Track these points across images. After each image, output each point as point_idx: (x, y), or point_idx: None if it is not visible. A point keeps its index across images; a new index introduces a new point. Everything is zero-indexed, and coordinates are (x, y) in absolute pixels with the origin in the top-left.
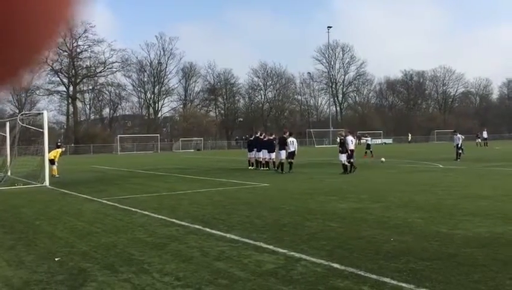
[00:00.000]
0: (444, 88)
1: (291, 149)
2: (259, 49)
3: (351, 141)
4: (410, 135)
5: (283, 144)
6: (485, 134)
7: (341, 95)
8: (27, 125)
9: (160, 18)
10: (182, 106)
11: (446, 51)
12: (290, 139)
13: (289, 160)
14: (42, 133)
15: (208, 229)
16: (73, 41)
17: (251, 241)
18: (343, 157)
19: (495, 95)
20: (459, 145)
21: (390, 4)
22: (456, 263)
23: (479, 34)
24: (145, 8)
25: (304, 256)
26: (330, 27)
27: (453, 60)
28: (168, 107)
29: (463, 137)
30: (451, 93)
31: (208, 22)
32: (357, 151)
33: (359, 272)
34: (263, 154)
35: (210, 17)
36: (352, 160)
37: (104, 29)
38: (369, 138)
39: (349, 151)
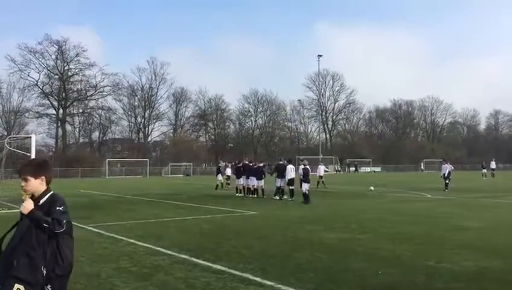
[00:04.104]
0: (432, 118)
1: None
2: (251, 76)
3: (291, 170)
4: (422, 164)
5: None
6: (493, 164)
7: (331, 123)
8: (14, 149)
9: (151, 43)
10: (172, 130)
11: (434, 81)
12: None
13: (290, 187)
14: (29, 157)
15: (194, 259)
16: (65, 64)
17: (237, 273)
18: (304, 187)
19: (482, 126)
20: (446, 175)
21: (378, 35)
22: None
23: (464, 66)
24: (137, 34)
25: (291, 289)
26: (321, 55)
27: (440, 90)
28: (158, 131)
29: (452, 168)
30: (440, 123)
31: (199, 48)
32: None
33: None
34: (251, 182)
35: (201, 44)
36: (291, 187)
37: (95, 53)
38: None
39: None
